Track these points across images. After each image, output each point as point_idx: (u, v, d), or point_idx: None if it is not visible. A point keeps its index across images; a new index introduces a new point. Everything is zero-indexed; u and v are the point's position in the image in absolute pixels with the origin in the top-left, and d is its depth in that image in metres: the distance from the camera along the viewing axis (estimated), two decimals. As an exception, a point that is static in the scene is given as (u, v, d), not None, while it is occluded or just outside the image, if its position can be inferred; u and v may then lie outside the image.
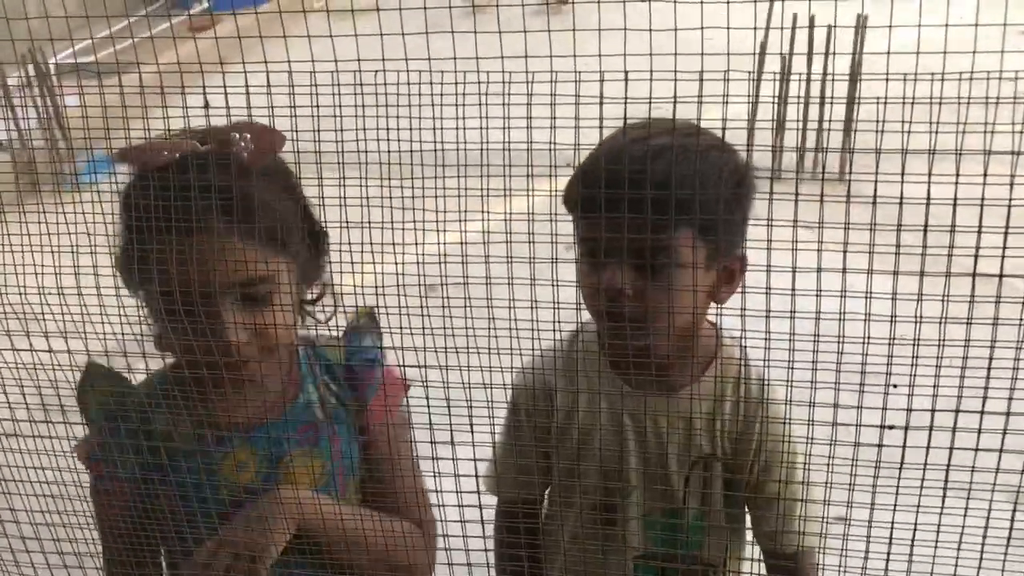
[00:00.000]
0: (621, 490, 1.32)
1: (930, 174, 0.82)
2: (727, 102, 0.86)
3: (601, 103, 0.86)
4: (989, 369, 0.86)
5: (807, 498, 1.09)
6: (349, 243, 1.01)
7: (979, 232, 0.80)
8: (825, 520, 1.06)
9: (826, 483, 0.93)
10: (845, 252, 0.86)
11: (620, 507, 1.32)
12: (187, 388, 1.12)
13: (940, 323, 0.84)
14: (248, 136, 1.07)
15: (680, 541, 1.33)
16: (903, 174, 0.82)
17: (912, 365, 0.85)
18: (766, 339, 0.87)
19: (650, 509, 1.33)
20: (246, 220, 1.06)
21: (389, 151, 0.98)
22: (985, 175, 0.82)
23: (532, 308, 0.96)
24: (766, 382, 1.26)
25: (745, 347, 1.28)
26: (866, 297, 0.84)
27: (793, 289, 0.85)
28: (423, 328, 0.97)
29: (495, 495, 1.43)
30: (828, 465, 0.89)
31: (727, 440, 1.28)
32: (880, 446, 0.89)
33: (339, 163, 1.00)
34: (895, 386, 0.86)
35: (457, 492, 1.05)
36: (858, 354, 0.88)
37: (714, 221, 1.10)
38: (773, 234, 0.86)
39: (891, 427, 0.87)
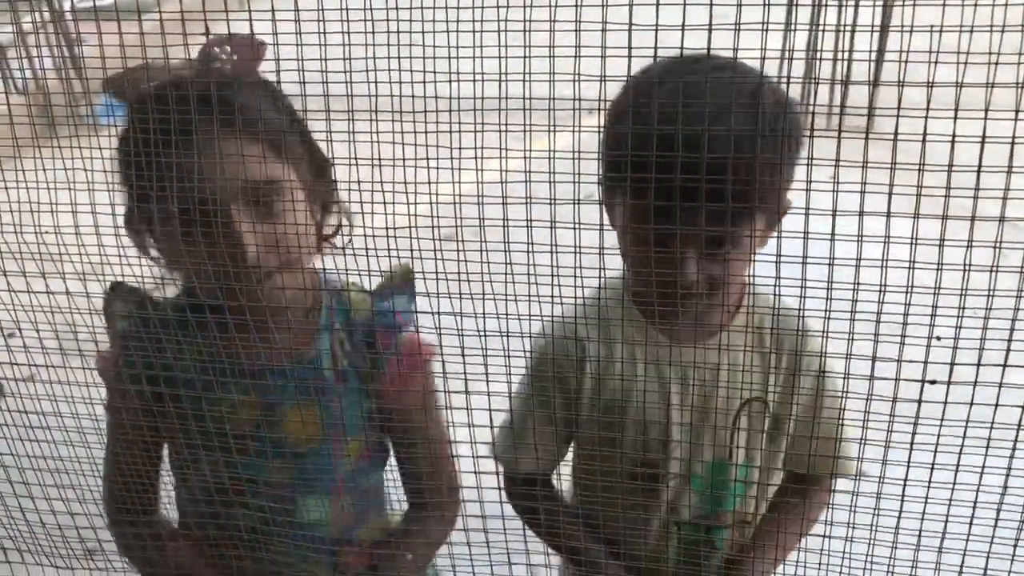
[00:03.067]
0: (665, 448, 1.26)
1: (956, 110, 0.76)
2: (766, 30, 0.79)
3: (630, 30, 0.80)
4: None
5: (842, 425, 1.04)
6: (359, 182, 0.96)
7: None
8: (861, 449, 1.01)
9: (862, 437, 0.88)
10: (890, 196, 0.80)
11: (662, 466, 1.27)
12: (200, 319, 1.09)
13: (991, 273, 0.78)
14: (229, 48, 1.04)
15: (726, 497, 1.29)
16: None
17: (959, 318, 0.80)
18: (802, 287, 0.82)
19: (693, 467, 1.27)
20: (243, 123, 1.03)
21: (401, 82, 0.93)
22: (1017, 112, 0.76)
23: (552, 253, 0.91)
24: (800, 316, 1.20)
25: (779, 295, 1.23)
26: (912, 242, 0.79)
27: (833, 234, 0.80)
28: (436, 273, 0.93)
29: (511, 467, 1.35)
30: (864, 418, 0.85)
31: (776, 380, 1.24)
32: (920, 401, 0.84)
33: (347, 95, 0.94)
34: (939, 338, 0.80)
35: (471, 442, 1.01)
36: (900, 303, 0.83)
37: (775, 185, 1.04)
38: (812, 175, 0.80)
39: (933, 382, 0.82)
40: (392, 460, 1.31)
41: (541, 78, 0.90)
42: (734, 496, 1.30)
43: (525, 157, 0.96)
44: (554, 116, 0.92)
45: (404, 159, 0.94)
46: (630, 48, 0.87)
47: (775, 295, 1.21)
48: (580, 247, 0.91)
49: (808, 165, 0.80)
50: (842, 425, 1.18)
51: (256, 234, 1.05)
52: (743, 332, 1.21)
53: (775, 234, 1.11)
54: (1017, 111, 0.74)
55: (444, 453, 1.22)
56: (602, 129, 1.12)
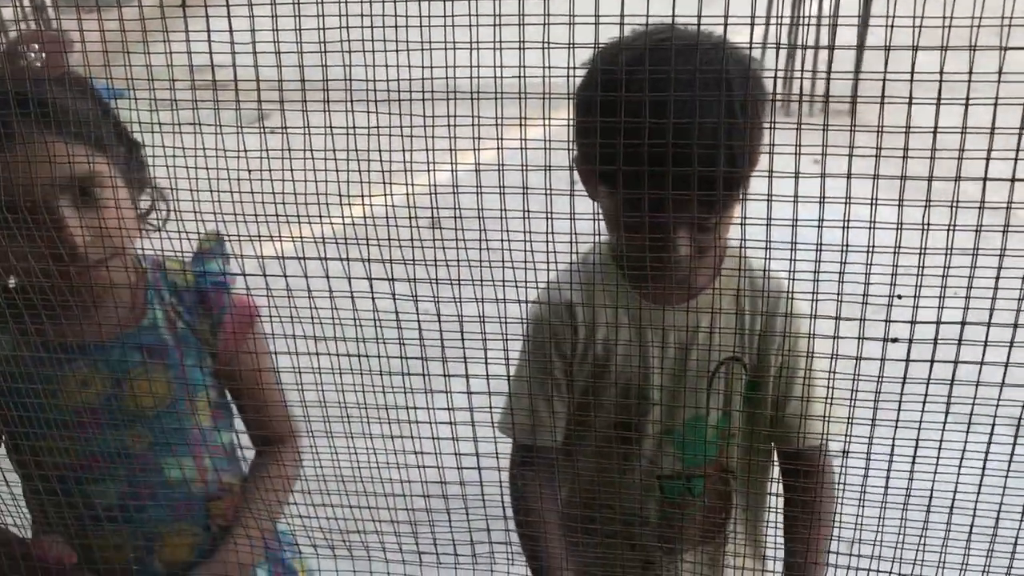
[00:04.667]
0: (641, 407, 1.30)
1: (939, 102, 0.78)
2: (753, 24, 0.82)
3: (597, 24, 0.82)
4: (994, 298, 0.84)
5: (828, 395, 1.06)
6: (359, 171, 0.98)
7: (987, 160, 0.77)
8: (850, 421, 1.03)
9: (827, 397, 0.91)
10: (850, 159, 0.82)
11: (640, 424, 1.31)
12: (28, 304, 1.15)
13: (945, 254, 0.81)
14: (36, 46, 1.10)
15: (707, 449, 1.32)
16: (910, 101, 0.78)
17: (918, 276, 0.82)
18: (767, 247, 0.84)
19: (671, 423, 1.31)
20: (60, 119, 1.09)
21: (399, 80, 0.94)
22: (996, 102, 0.79)
23: (549, 239, 0.93)
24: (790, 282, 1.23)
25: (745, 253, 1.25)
26: (871, 203, 0.81)
27: (796, 196, 0.82)
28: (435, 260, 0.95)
29: (513, 438, 1.38)
30: (830, 378, 0.87)
31: (751, 339, 1.26)
32: (883, 360, 0.86)
33: (347, 89, 0.96)
34: (900, 296, 0.83)
35: (472, 423, 1.03)
36: (861, 267, 0.85)
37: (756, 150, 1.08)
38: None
39: (895, 340, 0.84)
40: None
41: (511, 72, 0.92)
42: (710, 448, 1.32)
43: (498, 148, 0.98)
44: (525, 107, 0.94)
45: (380, 150, 0.95)
46: (597, 42, 0.89)
47: (766, 260, 1.23)
48: (553, 232, 0.93)
49: (771, 128, 0.82)
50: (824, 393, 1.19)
51: (82, 227, 1.12)
52: (721, 295, 1.24)
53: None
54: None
55: (277, 400, 1.33)
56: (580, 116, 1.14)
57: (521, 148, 0.94)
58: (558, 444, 1.36)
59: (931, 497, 0.94)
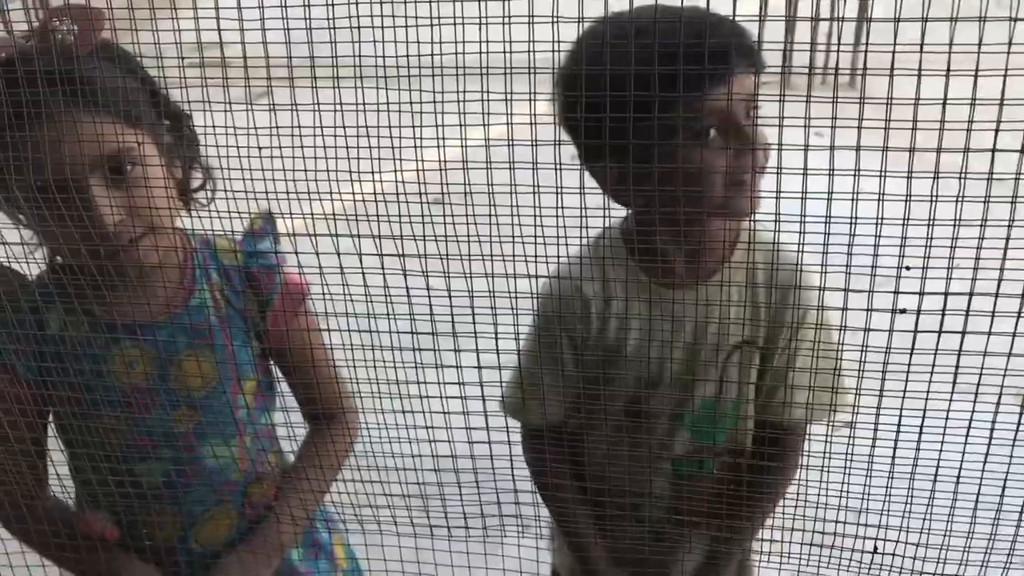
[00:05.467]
0: (654, 390, 1.30)
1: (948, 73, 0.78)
2: None
3: None
4: (1002, 269, 0.84)
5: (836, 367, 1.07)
6: (347, 149, 0.98)
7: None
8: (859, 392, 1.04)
9: (835, 368, 0.91)
10: (859, 131, 0.83)
11: (653, 408, 1.31)
12: (75, 283, 1.14)
13: (956, 203, 0.81)
14: (68, 20, 1.07)
15: (718, 432, 1.33)
16: (920, 72, 0.78)
17: (927, 247, 0.83)
18: (775, 219, 0.85)
19: (685, 404, 1.31)
20: (90, 95, 1.05)
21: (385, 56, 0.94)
22: (1006, 73, 0.79)
23: (559, 215, 0.94)
24: (798, 266, 1.23)
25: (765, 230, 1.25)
26: (880, 176, 0.82)
27: (805, 167, 0.82)
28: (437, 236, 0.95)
29: (522, 420, 1.39)
30: (838, 350, 0.87)
31: (763, 324, 1.27)
32: (891, 331, 0.87)
33: (355, 66, 0.96)
34: (908, 268, 0.83)
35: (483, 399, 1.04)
36: (870, 240, 0.86)
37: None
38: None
39: (903, 311, 0.85)
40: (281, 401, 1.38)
41: (521, 47, 0.92)
42: (723, 431, 1.33)
43: (507, 124, 0.98)
44: (534, 82, 0.94)
45: (389, 126, 0.95)
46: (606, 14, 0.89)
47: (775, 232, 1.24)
48: (563, 207, 0.94)
49: (781, 101, 0.82)
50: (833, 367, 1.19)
51: (115, 205, 1.09)
52: (733, 269, 1.24)
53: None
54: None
55: (330, 376, 1.33)
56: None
57: (530, 123, 0.94)
58: (564, 424, 1.37)
59: (937, 467, 0.95)
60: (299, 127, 0.97)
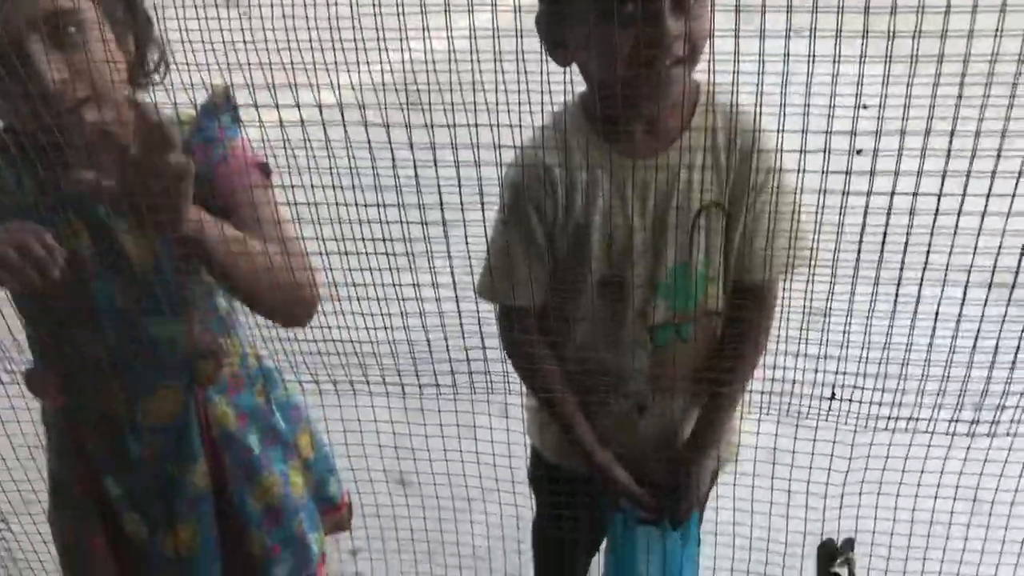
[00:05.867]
0: (625, 261, 1.31)
1: None
2: None
3: None
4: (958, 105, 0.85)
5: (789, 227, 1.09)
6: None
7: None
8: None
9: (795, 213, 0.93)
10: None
11: (626, 279, 1.33)
12: (20, 149, 1.12)
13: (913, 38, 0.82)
14: None
15: (691, 297, 1.34)
16: None
17: (883, 86, 0.83)
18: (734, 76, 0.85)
19: (657, 272, 1.33)
20: None
21: None
22: None
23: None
24: (757, 126, 1.24)
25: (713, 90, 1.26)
26: (838, 10, 0.82)
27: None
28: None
29: (494, 300, 1.40)
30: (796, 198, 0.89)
31: (728, 183, 1.28)
32: (848, 173, 0.88)
33: None
34: (865, 106, 0.84)
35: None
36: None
37: None
38: None
39: (859, 151, 0.86)
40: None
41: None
42: (696, 294, 1.35)
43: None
44: None
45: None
46: None
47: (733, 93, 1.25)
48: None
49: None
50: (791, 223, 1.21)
51: (55, 65, 1.07)
52: (691, 134, 1.25)
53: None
54: None
55: (289, 236, 1.24)
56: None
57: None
58: (541, 303, 1.39)
59: (893, 315, 0.98)
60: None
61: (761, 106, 0.96)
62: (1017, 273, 0.93)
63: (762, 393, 1.06)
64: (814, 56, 0.86)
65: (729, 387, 1.38)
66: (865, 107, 0.85)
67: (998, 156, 0.86)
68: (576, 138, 1.29)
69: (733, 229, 1.32)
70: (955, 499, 1.15)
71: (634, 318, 1.37)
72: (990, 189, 0.88)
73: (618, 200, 1.29)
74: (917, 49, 0.82)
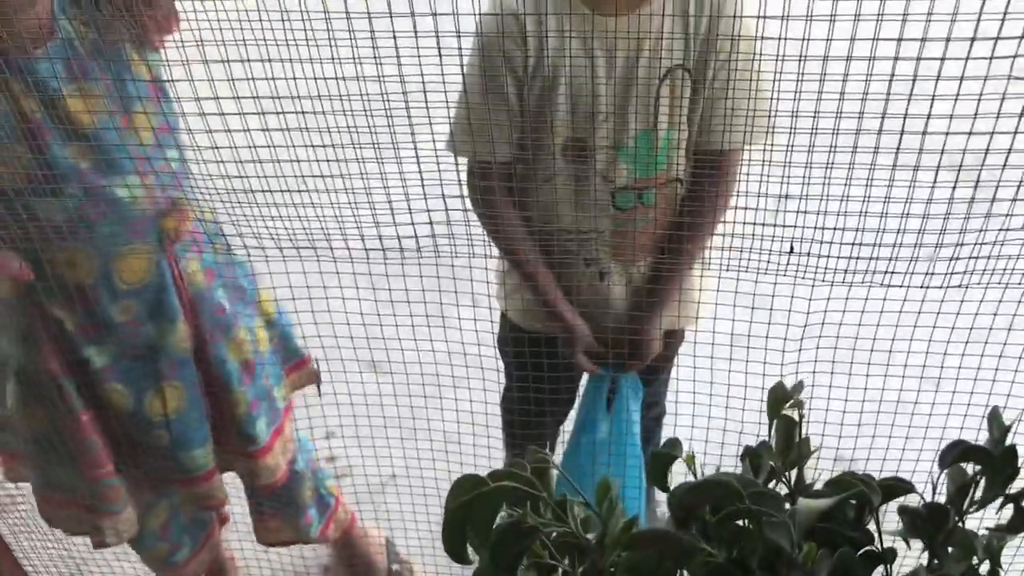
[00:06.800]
0: (591, 121, 1.30)
1: None
2: None
3: None
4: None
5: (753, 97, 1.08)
6: None
7: None
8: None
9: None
10: None
11: (591, 139, 1.32)
12: None
13: None
14: None
15: (656, 161, 1.35)
16: None
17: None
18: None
19: (622, 136, 1.32)
20: None
21: None
22: None
23: None
24: None
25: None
26: None
27: None
28: None
29: (464, 155, 1.39)
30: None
31: (695, 45, 1.27)
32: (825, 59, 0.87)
33: None
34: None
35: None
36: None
37: None
38: None
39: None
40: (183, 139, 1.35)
41: None
42: (659, 161, 1.35)
43: None
44: None
45: None
46: None
47: None
48: None
49: None
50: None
51: None
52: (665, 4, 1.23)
53: None
54: None
55: None
56: None
57: None
58: (509, 159, 1.38)
59: (851, 168, 0.98)
60: None
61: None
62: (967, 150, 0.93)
63: (722, 249, 1.07)
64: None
65: (685, 249, 1.40)
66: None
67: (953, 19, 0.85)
68: None
69: (697, 96, 1.32)
70: (908, 352, 1.19)
71: (597, 181, 1.37)
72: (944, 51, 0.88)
73: (585, 58, 1.28)
74: None
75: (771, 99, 1.13)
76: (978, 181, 0.96)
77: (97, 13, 1.20)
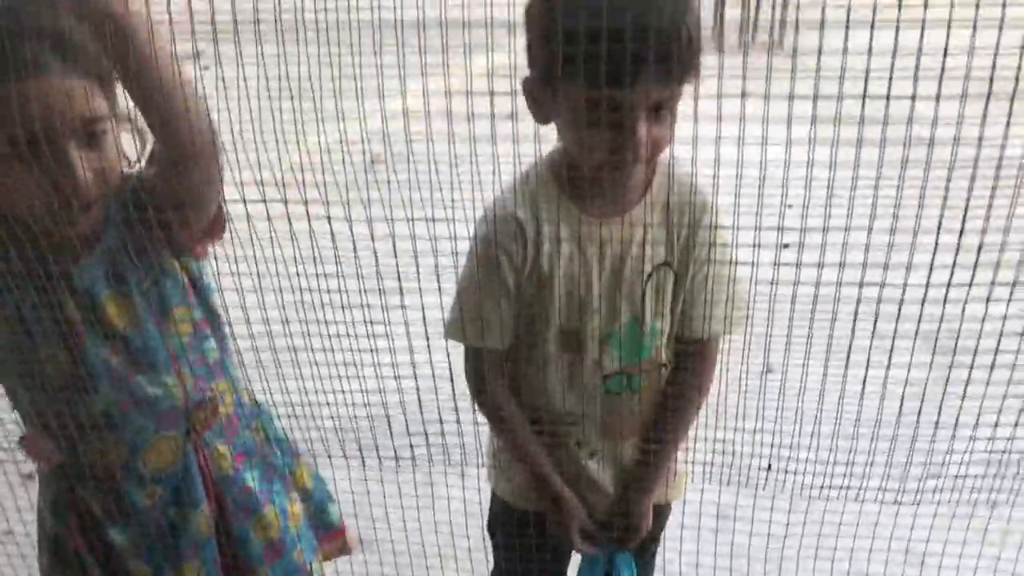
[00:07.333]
0: (583, 314, 1.39)
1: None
2: None
3: None
4: (874, 205, 0.92)
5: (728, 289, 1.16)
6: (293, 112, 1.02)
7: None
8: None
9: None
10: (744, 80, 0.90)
11: (584, 330, 1.40)
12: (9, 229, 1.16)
13: (832, 147, 0.89)
14: None
15: (643, 348, 1.42)
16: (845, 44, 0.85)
17: (806, 187, 0.90)
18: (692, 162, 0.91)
19: (611, 327, 1.40)
20: (71, 55, 1.06)
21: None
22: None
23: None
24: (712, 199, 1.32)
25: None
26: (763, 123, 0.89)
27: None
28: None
29: (465, 343, 1.45)
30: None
31: (678, 247, 1.36)
32: (776, 265, 0.95)
33: (279, 39, 1.00)
34: (790, 206, 0.91)
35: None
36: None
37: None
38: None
39: (786, 245, 0.93)
40: (227, 328, 1.39)
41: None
42: (649, 347, 1.43)
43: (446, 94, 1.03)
44: (470, 36, 0.99)
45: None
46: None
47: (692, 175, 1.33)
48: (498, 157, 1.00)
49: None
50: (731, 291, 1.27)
51: (86, 167, 1.12)
52: (652, 207, 1.33)
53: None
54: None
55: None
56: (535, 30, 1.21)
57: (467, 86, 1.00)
58: (507, 348, 1.45)
59: (822, 392, 1.04)
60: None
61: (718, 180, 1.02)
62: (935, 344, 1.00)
63: (704, 464, 1.11)
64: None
65: (670, 434, 1.46)
66: (790, 206, 0.92)
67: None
68: (543, 195, 1.38)
69: (680, 288, 1.41)
70: (886, 563, 1.22)
71: (590, 367, 1.44)
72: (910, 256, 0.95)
73: (579, 256, 1.37)
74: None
75: (746, 295, 1.22)
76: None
77: (143, 222, 1.25)
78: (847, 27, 0.87)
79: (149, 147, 1.26)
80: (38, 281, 1.24)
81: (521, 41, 1.20)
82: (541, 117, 1.32)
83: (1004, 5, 0.83)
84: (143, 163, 1.27)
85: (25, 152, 1.07)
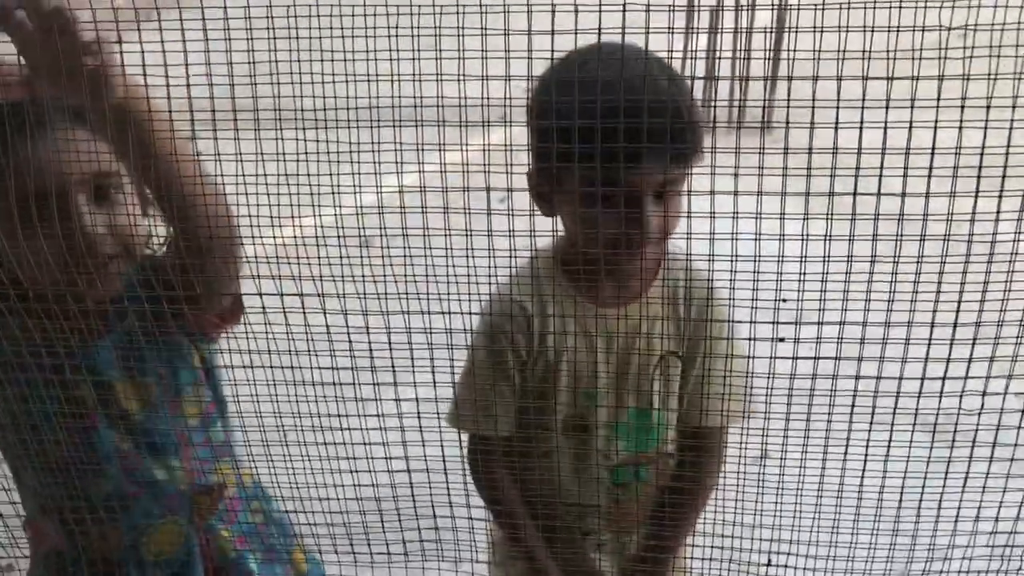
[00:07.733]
0: (590, 403, 1.38)
1: (861, 125, 0.87)
2: (672, 31, 0.90)
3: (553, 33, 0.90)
4: (868, 299, 0.93)
5: (728, 379, 1.16)
6: (289, 192, 1.03)
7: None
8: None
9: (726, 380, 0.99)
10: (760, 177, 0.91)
11: (590, 420, 1.39)
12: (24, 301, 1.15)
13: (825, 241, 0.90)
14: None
15: (651, 438, 1.41)
16: (836, 124, 0.87)
17: (800, 280, 0.91)
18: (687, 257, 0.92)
19: (619, 414, 1.39)
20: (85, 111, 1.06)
21: (325, 107, 1.00)
22: (911, 125, 0.88)
23: (468, 256, 1.00)
24: (710, 281, 1.33)
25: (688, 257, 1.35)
26: (756, 217, 0.90)
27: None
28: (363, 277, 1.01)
29: (468, 431, 1.45)
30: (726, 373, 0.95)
31: (684, 335, 1.36)
32: (772, 358, 0.95)
33: (276, 118, 1.02)
34: (784, 300, 0.92)
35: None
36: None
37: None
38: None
39: (781, 339, 0.93)
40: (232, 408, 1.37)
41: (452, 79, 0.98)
42: (656, 437, 1.42)
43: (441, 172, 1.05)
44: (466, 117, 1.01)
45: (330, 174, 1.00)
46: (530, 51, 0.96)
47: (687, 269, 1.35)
48: (494, 249, 1.01)
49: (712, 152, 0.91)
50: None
51: (99, 225, 1.13)
52: (658, 298, 1.34)
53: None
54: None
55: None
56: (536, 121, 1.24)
57: (463, 169, 1.01)
58: (511, 434, 1.44)
59: (821, 485, 1.03)
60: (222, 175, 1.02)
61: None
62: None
63: (702, 559, 1.10)
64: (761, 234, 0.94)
65: (672, 529, 1.44)
66: (784, 300, 0.93)
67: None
68: (548, 284, 1.38)
69: (687, 377, 1.41)
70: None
71: (596, 457, 1.42)
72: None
73: (584, 345, 1.37)
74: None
75: (746, 386, 1.22)
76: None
77: (160, 306, 1.21)
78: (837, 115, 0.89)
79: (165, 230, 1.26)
80: (53, 360, 1.22)
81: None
82: (546, 208, 1.33)
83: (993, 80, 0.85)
84: (161, 242, 1.28)
85: (34, 209, 1.06)
